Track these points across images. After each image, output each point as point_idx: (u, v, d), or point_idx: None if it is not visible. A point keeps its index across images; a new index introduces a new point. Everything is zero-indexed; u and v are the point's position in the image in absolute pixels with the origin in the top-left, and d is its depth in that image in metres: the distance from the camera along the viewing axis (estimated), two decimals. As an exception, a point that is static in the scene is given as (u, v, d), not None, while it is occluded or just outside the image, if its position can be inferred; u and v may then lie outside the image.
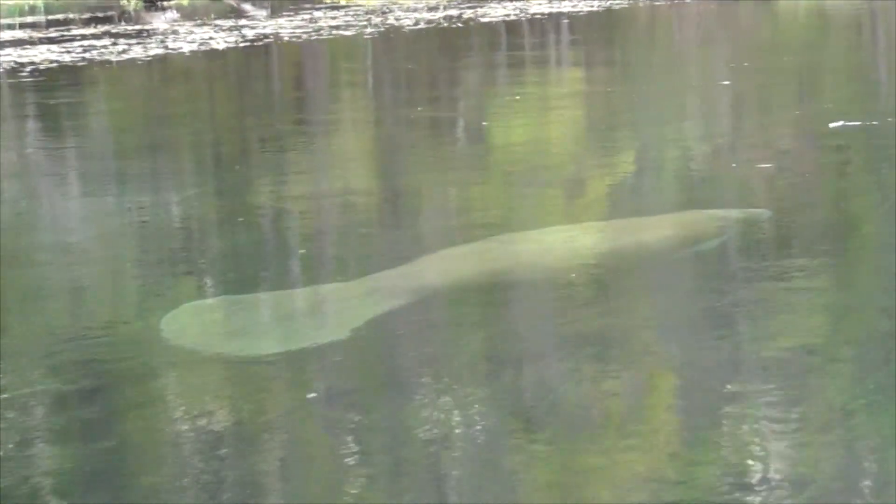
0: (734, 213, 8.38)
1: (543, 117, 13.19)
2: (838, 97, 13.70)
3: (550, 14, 26.36)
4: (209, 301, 7.03)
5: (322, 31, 24.42)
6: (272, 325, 6.56)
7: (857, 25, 21.62)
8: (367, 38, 22.99)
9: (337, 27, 25.17)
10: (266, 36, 23.85)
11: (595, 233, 8.16)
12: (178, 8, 30.22)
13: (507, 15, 26.40)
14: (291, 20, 27.03)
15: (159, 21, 28.02)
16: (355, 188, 9.93)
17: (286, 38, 23.32)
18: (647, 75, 16.77)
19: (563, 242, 7.80)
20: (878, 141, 10.70)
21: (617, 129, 12.33)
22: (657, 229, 8.14)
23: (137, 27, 26.77)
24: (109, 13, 29.03)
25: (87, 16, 29.17)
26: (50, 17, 29.29)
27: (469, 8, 28.26)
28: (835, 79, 15.64)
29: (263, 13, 29.19)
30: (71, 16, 29.23)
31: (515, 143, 11.83)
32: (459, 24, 24.78)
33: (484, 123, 13.18)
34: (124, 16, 28.94)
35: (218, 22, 26.90)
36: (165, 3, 30.39)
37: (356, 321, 6.36)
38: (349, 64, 19.99)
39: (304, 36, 23.76)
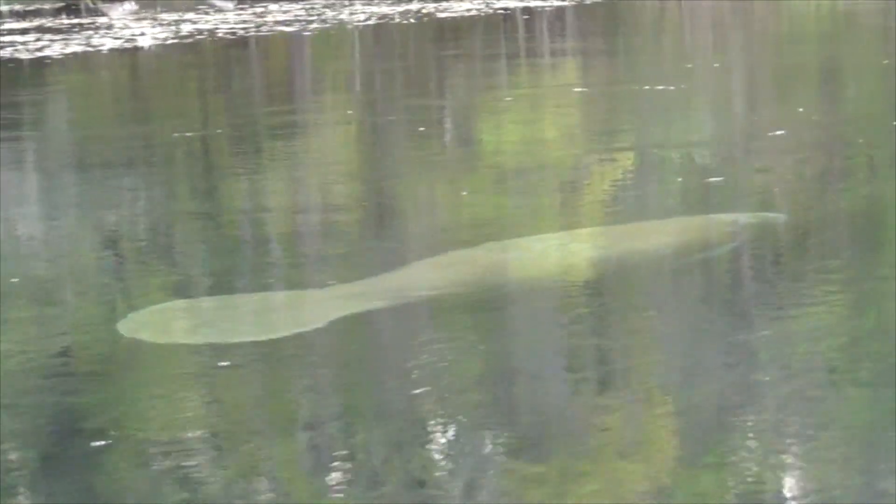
0: (746, 218, 8.13)
1: (473, 124, 12.31)
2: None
3: (521, 10, 25.28)
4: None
5: (263, 27, 23.61)
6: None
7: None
8: (305, 35, 22.31)
9: (285, 22, 24.07)
10: (201, 32, 22.76)
11: (597, 239, 7.95)
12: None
13: (469, 10, 25.41)
14: (241, 14, 25.83)
15: (116, 13, 27.56)
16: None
17: (221, 34, 22.45)
18: (599, 74, 16.22)
19: (553, 250, 7.56)
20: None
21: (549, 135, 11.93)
22: (661, 235, 7.87)
23: (87, 20, 26.35)
24: (75, 4, 28.39)
25: (59, 5, 28.74)
26: (25, 8, 28.72)
27: (434, 2, 27.10)
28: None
29: (231, 4, 28.66)
30: (45, 6, 28.71)
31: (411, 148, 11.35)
32: (411, 20, 23.81)
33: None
34: (86, 7, 28.34)
35: (164, 16, 26.30)
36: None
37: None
38: (266, 63, 19.42)
39: (242, 32, 22.87)
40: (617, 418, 4.98)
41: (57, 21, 26.37)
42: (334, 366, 5.84)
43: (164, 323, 6.54)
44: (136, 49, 20.98)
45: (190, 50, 20.99)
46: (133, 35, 22.83)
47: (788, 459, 4.57)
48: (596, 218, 8.55)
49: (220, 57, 20.28)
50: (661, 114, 12.68)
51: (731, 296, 6.59)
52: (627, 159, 10.48)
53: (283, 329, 6.32)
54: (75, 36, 23.05)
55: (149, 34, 22.95)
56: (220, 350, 5.96)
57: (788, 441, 4.70)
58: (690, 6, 26.85)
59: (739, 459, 4.58)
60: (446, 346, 5.88)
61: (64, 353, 6.11)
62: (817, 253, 7.40)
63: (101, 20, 26.45)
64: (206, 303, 6.87)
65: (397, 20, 24.77)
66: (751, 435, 4.77)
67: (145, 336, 6.29)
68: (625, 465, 4.62)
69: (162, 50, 20.88)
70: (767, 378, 5.34)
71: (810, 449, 4.66)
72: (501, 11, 25.96)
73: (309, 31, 23.22)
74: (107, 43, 21.70)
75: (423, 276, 7.08)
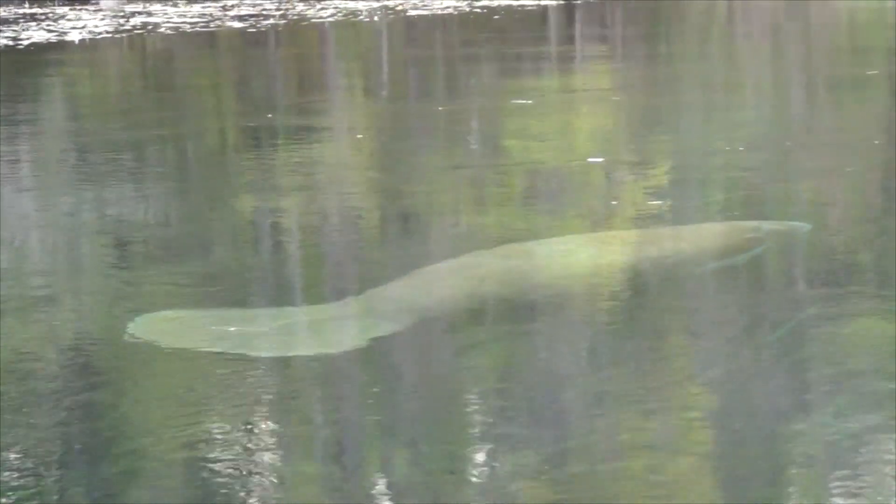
0: (769, 225, 7.96)
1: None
2: None
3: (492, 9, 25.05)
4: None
5: (212, 24, 23.21)
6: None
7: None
8: (254, 32, 21.94)
9: (246, 16, 23.72)
10: (148, 26, 22.53)
11: (616, 243, 7.75)
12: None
13: (446, 8, 25.15)
14: (207, 7, 25.45)
15: (108, 3, 27.67)
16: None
17: (164, 29, 22.04)
18: (551, 81, 15.91)
19: (567, 255, 7.41)
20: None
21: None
22: (679, 241, 7.75)
23: (46, 10, 26.03)
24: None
25: None
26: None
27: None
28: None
29: None
30: None
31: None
32: (375, 18, 23.50)
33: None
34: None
35: (128, 7, 26.01)
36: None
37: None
38: (191, 64, 18.66)
39: (188, 27, 22.52)
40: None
41: (16, 10, 25.77)
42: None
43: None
44: (61, 44, 20.36)
45: (116, 45, 20.55)
46: (73, 28, 22.30)
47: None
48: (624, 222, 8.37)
49: (140, 54, 19.69)
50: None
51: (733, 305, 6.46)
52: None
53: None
54: (10, 28, 22.44)
55: (89, 27, 22.42)
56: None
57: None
58: (741, 5, 26.59)
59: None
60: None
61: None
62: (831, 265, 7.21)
63: (60, 10, 26.25)
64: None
65: (360, 18, 24.34)
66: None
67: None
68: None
69: (88, 45, 20.37)
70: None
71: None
72: (480, 10, 25.53)
73: (259, 27, 22.82)
74: (34, 36, 21.21)
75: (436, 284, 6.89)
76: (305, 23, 23.57)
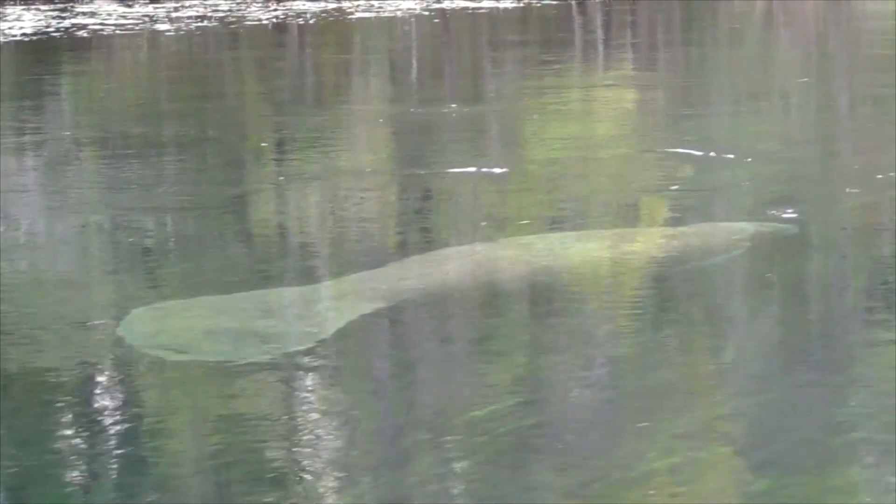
0: (754, 227, 8.23)
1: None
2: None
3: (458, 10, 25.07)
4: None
5: (140, 26, 23.09)
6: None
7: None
8: (174, 35, 21.67)
9: (179, 18, 23.60)
10: (79, 27, 22.47)
11: (593, 241, 8.05)
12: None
13: (399, 10, 25.08)
14: (158, 8, 25.51)
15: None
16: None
17: (82, 32, 22.04)
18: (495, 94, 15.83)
19: (538, 251, 7.69)
20: None
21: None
22: (666, 241, 8.03)
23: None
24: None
25: None
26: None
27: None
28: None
29: None
30: None
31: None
32: (310, 21, 23.46)
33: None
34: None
35: (81, 8, 25.90)
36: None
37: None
38: (91, 66, 18.44)
39: (115, 29, 22.60)
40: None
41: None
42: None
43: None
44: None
45: (49, 45, 20.40)
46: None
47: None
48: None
49: (32, 60, 19.36)
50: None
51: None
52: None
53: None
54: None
55: (15, 28, 22.24)
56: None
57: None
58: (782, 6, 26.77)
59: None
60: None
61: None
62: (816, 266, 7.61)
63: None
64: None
65: (295, 20, 24.26)
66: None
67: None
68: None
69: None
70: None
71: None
72: (435, 12, 25.49)
73: (189, 30, 22.67)
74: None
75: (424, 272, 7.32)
76: (235, 25, 23.42)
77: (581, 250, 7.78)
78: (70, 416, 5.36)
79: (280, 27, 23.14)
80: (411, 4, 26.42)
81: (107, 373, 5.85)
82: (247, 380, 5.65)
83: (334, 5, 26.46)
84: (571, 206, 9.24)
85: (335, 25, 23.54)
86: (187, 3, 26.96)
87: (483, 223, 8.64)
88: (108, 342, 6.27)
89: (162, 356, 6.06)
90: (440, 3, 26.69)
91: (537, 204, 9.36)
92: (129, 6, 26.67)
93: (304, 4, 26.52)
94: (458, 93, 15.62)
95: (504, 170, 10.21)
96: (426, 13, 25.28)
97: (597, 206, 9.19)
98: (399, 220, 8.96)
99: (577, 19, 24.83)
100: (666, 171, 10.20)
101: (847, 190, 9.34)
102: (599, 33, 22.64)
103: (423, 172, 10.23)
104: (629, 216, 8.97)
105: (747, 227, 8.20)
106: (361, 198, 9.52)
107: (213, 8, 26.22)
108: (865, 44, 20.10)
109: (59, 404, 5.48)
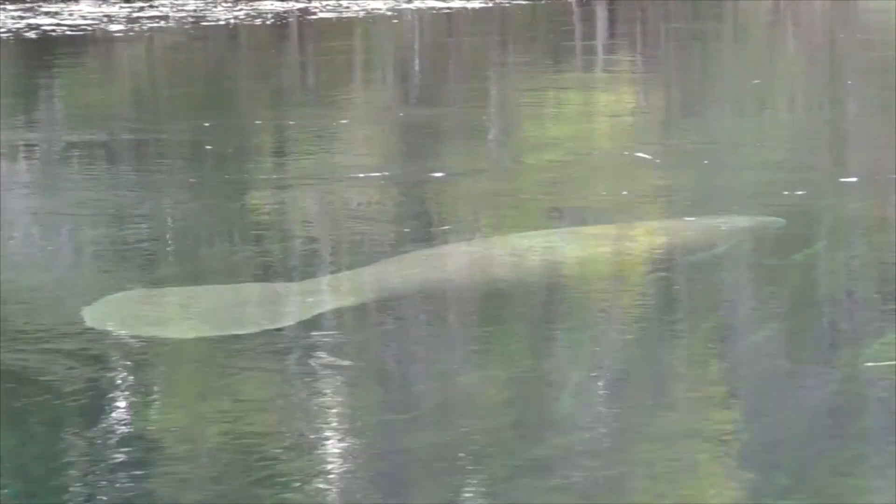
0: (741, 221, 8.29)
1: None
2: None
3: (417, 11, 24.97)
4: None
5: (92, 27, 22.85)
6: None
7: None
8: (133, 35, 21.72)
9: (137, 19, 23.51)
10: (33, 27, 22.22)
11: (576, 239, 8.06)
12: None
13: (364, 10, 24.90)
14: (124, 8, 25.42)
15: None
16: None
17: (54, 31, 21.75)
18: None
19: (527, 250, 7.68)
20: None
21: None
22: (642, 237, 8.04)
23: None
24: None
25: None
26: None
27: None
28: None
29: None
30: None
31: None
32: (268, 21, 23.32)
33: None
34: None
35: (47, 7, 25.60)
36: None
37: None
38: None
39: (67, 29, 22.38)
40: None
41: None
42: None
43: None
44: None
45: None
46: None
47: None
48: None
49: None
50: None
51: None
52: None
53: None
54: None
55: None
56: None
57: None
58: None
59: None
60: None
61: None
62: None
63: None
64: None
65: (256, 21, 24.11)
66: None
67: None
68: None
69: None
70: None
71: None
72: (399, 12, 25.37)
73: (135, 32, 22.47)
74: None
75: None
76: (191, 26, 23.25)
77: (563, 250, 7.75)
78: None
79: (235, 29, 22.94)
80: (378, 4, 26.31)
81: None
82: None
83: (302, 5, 26.33)
84: (528, 208, 9.18)
85: (294, 27, 23.41)
86: (157, 3, 26.79)
87: (446, 226, 8.59)
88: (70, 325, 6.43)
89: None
90: (410, 3, 26.58)
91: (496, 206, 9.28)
92: (100, 5, 26.50)
93: (271, 4, 26.37)
94: (416, 95, 15.58)
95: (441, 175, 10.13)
96: (390, 13, 25.22)
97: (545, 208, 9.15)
98: (367, 221, 8.83)
99: (550, 19, 24.81)
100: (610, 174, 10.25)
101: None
102: (576, 33, 22.62)
103: (377, 175, 10.15)
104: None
105: (735, 221, 8.23)
106: (330, 201, 9.40)
107: (179, 7, 26.04)
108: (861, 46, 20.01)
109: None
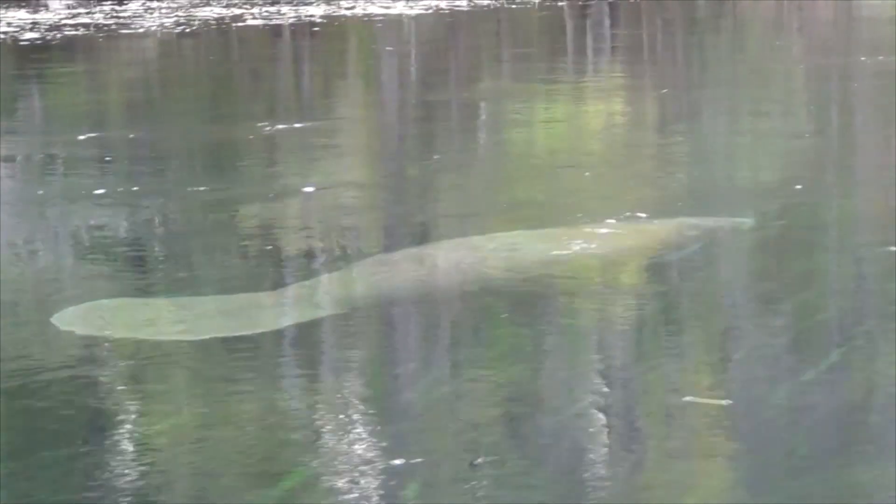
0: (710, 222, 8.26)
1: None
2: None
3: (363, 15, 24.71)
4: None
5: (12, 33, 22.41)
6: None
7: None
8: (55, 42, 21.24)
9: (84, 25, 22.99)
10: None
11: (553, 240, 7.96)
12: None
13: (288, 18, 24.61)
14: (95, 14, 24.66)
15: (56, 3, 27.83)
16: None
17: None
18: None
19: (508, 249, 7.71)
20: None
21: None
22: (617, 239, 7.98)
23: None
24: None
25: None
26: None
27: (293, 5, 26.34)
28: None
29: None
30: None
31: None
32: (211, 26, 22.96)
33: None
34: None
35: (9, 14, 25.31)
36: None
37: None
38: None
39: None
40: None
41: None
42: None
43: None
44: None
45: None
46: None
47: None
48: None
49: None
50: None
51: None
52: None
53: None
54: None
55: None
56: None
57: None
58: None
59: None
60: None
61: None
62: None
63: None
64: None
65: (198, 28, 23.79)
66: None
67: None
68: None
69: None
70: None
71: None
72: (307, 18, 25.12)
73: (56, 37, 22.19)
74: None
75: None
76: (129, 31, 22.91)
77: (535, 250, 7.68)
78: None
79: (169, 35, 22.62)
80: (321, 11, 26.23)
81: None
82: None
83: (238, 11, 26.18)
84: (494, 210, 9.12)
85: (227, 34, 23.11)
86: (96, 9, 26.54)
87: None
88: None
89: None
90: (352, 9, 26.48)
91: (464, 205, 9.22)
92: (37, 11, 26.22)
93: (213, 10, 26.20)
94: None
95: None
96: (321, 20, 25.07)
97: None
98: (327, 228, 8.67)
99: (550, 21, 24.73)
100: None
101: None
102: (570, 36, 22.53)
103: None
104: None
105: (702, 223, 8.16)
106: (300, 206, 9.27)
107: (135, 13, 25.79)
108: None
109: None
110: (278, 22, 24.77)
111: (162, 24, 23.99)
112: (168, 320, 6.62)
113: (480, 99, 15.01)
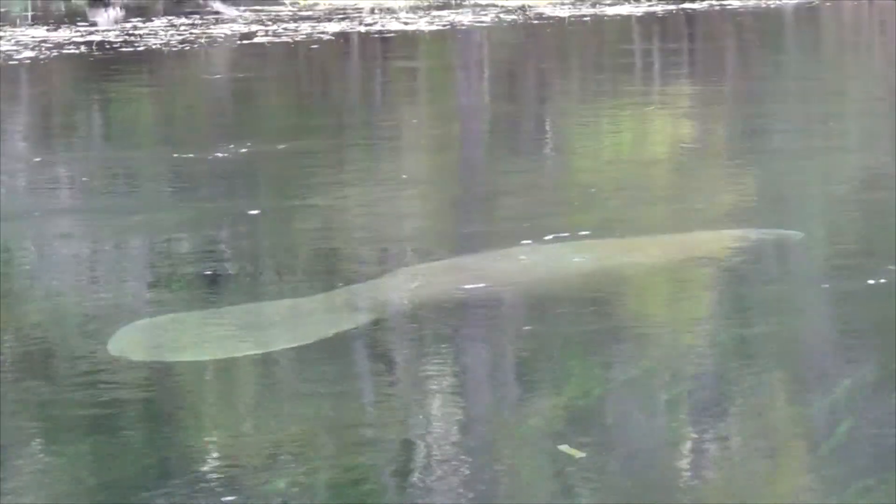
0: (759, 234, 8.23)
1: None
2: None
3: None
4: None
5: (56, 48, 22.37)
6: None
7: None
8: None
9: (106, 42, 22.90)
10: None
11: (600, 251, 8.03)
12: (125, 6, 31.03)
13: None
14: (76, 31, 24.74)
15: (102, 19, 28.51)
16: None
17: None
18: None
19: (555, 260, 7.77)
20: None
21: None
22: (663, 249, 8.00)
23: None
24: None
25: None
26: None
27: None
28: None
29: (234, 12, 29.79)
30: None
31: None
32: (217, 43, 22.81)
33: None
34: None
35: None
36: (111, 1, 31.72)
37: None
38: None
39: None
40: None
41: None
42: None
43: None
44: None
45: None
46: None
47: None
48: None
49: None
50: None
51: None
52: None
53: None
54: None
55: None
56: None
57: None
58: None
59: None
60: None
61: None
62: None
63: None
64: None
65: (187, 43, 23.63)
66: None
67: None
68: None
69: None
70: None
71: None
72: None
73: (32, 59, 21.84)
74: None
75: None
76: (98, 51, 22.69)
77: (581, 262, 7.73)
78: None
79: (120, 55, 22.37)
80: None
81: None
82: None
83: (252, 28, 25.99)
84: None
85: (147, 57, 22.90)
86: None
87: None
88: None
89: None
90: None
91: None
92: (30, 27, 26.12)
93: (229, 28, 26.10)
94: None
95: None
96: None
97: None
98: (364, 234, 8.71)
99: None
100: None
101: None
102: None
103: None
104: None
105: (748, 235, 8.20)
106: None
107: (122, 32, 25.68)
108: None
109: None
110: (289, 38, 24.66)
111: (168, 42, 23.83)
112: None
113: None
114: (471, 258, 7.83)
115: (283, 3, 32.35)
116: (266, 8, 30.87)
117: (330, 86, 18.71)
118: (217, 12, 30.39)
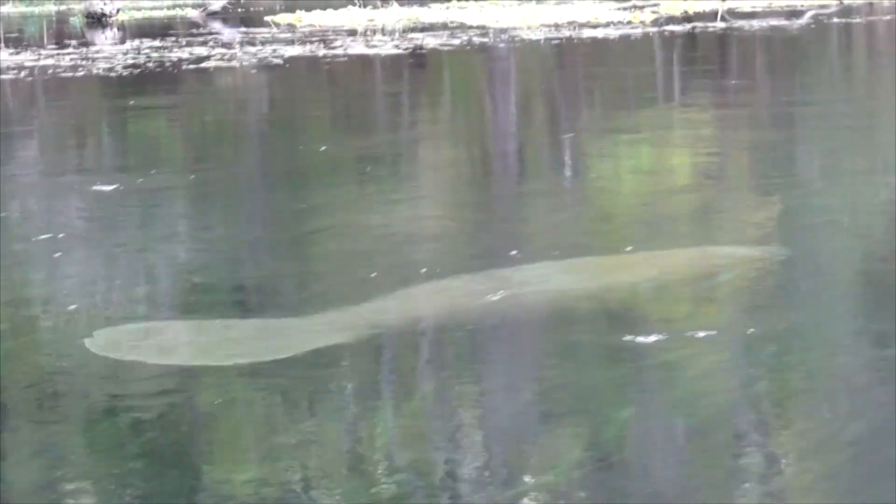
0: (743, 251, 8.27)
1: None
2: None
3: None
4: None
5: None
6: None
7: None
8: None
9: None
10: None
11: (581, 270, 8.06)
12: (122, 26, 32.55)
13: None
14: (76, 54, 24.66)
15: (100, 39, 29.57)
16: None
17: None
18: None
19: (541, 281, 7.76)
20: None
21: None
22: (644, 267, 8.01)
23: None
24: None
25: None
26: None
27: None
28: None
29: (236, 36, 30.41)
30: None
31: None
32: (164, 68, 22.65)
33: None
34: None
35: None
36: (109, 20, 33.20)
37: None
38: None
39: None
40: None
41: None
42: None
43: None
44: None
45: None
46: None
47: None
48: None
49: None
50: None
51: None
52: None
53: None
54: None
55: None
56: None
57: None
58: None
59: None
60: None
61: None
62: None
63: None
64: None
65: (146, 67, 23.43)
66: None
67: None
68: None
69: None
70: None
71: None
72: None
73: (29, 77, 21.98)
74: None
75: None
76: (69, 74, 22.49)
77: (566, 281, 7.74)
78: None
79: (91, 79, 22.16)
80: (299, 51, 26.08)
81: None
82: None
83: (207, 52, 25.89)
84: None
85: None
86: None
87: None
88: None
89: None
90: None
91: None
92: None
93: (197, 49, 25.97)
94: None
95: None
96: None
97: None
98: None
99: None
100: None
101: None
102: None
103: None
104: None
105: (736, 252, 8.23)
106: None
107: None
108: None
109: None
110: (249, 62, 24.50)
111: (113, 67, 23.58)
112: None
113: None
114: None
115: (269, 25, 33.00)
116: (252, 30, 31.43)
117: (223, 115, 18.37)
118: (218, 32, 31.20)
